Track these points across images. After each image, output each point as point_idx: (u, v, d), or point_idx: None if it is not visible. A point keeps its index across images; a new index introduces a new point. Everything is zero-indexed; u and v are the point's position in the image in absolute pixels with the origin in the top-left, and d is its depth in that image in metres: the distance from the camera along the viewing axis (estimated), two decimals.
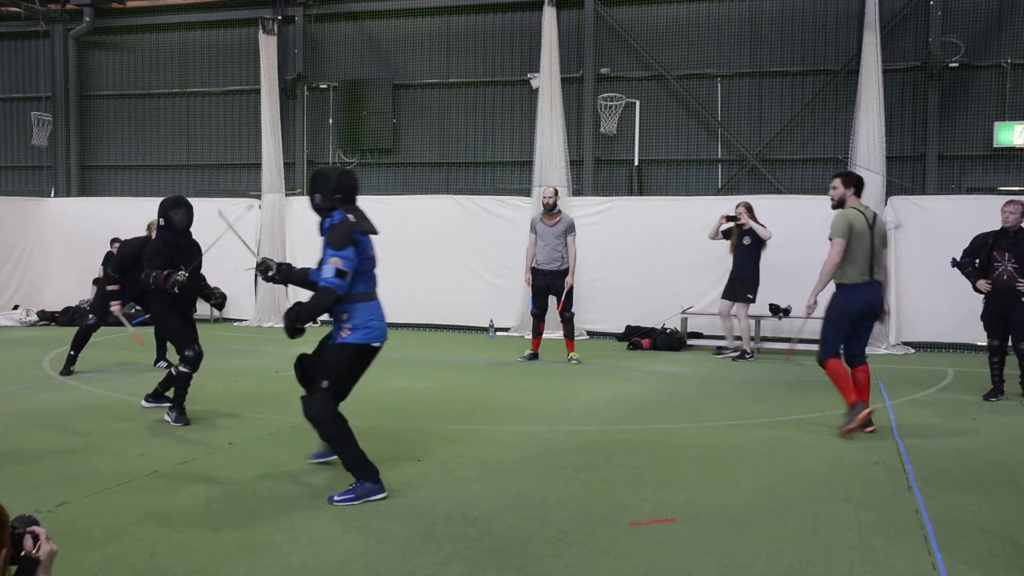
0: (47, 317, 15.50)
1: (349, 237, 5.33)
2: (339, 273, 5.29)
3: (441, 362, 11.59)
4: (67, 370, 9.97)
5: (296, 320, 5.40)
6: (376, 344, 5.53)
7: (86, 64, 17.72)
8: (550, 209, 11.25)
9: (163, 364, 10.16)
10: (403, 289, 14.91)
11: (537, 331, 11.50)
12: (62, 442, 6.91)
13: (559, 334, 12.09)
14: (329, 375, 5.43)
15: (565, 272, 11.15)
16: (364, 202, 17.02)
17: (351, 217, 5.44)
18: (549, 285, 11.22)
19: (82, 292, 15.99)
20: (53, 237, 16.65)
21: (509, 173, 15.50)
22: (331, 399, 5.40)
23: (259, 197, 15.63)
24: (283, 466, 6.27)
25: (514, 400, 8.92)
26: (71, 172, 17.69)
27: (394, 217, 15.15)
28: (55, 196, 17.41)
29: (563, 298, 11.21)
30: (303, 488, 5.74)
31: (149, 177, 17.40)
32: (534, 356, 11.47)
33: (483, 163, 15.70)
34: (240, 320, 15.67)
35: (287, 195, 15.71)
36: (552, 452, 6.71)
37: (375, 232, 5.55)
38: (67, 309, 15.59)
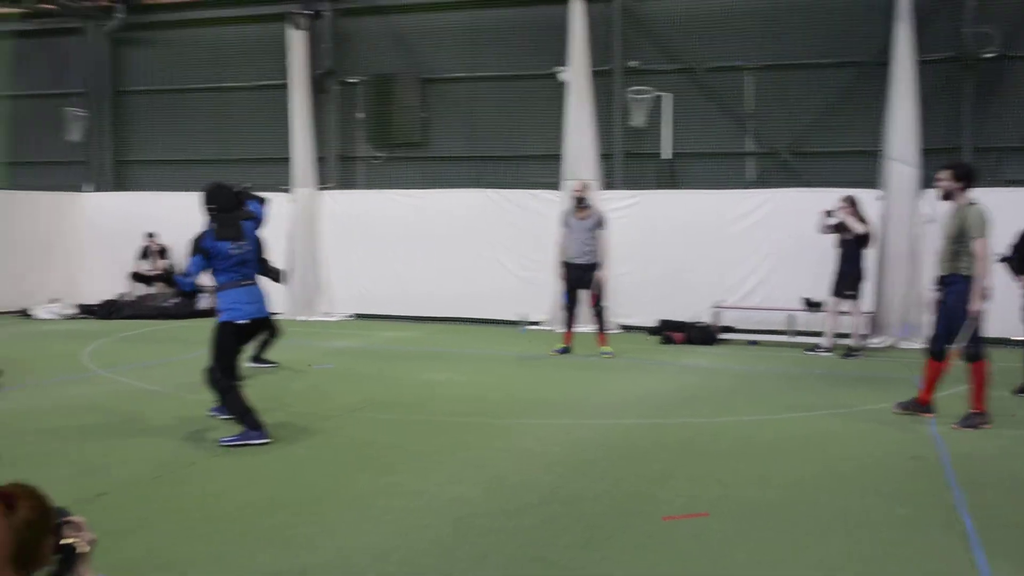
0: (87, 310, 15.70)
1: (196, 247, 6.76)
2: (184, 273, 6.97)
3: (473, 355, 11.61)
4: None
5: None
6: (242, 322, 6.78)
7: (120, 60, 17.91)
8: (580, 203, 11.23)
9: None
10: (433, 283, 14.97)
11: (568, 325, 11.50)
12: (99, 434, 7.02)
13: (591, 328, 12.07)
14: (210, 353, 6.80)
15: (596, 266, 11.13)
16: (394, 196, 16.96)
17: (213, 226, 6.76)
18: (580, 279, 11.21)
19: (119, 286, 16.18)
20: (89, 231, 16.87)
21: (539, 167, 15.46)
22: (217, 370, 6.74)
23: (291, 191, 15.73)
24: (316, 459, 6.33)
25: (547, 394, 8.94)
26: (106, 167, 17.90)
27: (424, 211, 15.22)
28: (91, 191, 17.63)
29: (595, 291, 11.20)
30: (335, 481, 5.79)
31: (183, 172, 17.51)
32: (566, 350, 11.46)
33: (512, 157, 15.67)
34: (274, 314, 15.74)
35: (319, 189, 15.80)
36: (585, 446, 6.72)
37: (237, 238, 6.82)
38: (106, 302, 15.78)
